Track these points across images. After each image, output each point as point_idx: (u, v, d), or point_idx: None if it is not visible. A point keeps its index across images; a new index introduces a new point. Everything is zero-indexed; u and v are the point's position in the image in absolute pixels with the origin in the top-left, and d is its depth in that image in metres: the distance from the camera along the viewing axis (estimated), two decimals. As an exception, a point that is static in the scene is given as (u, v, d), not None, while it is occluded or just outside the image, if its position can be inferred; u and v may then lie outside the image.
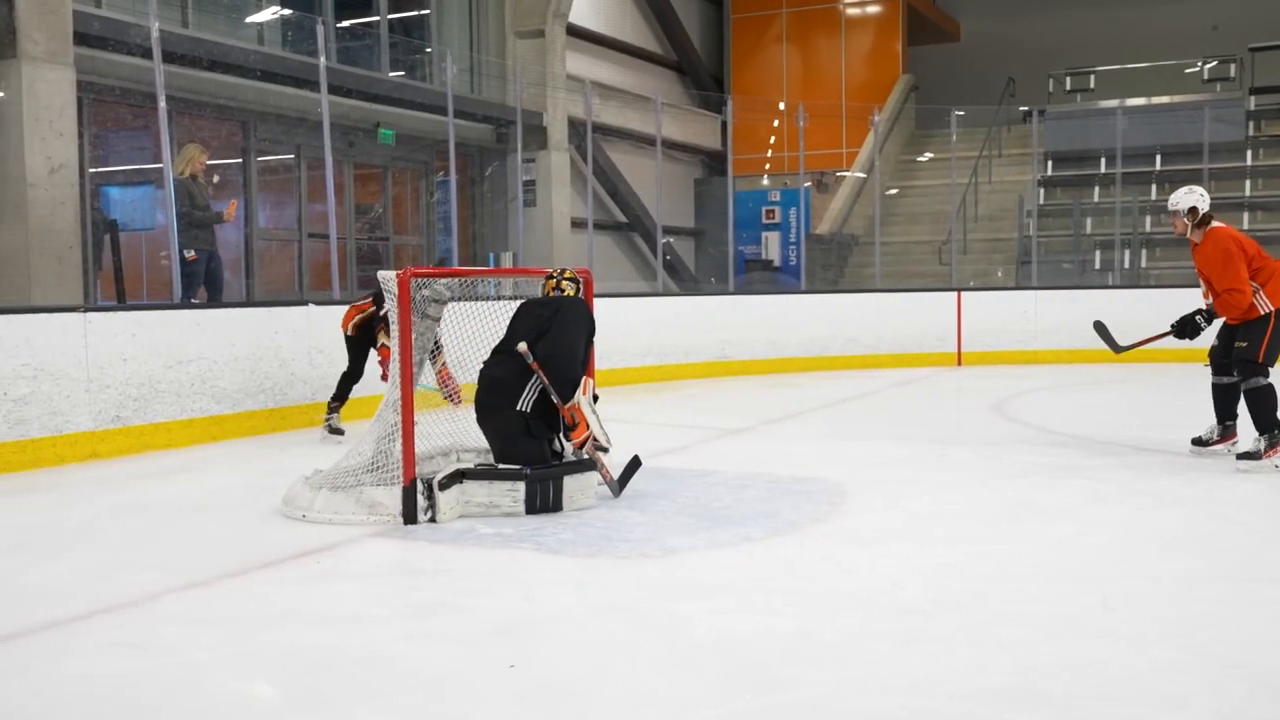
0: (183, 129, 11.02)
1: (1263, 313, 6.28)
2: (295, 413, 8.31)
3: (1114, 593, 3.95)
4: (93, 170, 10.42)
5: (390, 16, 14.31)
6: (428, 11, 15.10)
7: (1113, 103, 17.83)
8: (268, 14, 12.65)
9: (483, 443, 5.82)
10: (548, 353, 5.51)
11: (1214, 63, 19.17)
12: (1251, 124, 18.07)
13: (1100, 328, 7.19)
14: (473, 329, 5.98)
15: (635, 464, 5.77)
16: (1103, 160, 17.15)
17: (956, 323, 13.52)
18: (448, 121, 12.20)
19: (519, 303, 5.99)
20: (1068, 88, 19.69)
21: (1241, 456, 6.28)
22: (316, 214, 12.47)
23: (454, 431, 6.05)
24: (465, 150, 14.92)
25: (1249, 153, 17.59)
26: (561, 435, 5.64)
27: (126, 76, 10.16)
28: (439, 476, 5.18)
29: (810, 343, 12.77)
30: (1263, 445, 6.20)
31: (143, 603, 3.95)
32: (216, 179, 9.36)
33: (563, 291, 5.90)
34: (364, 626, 3.68)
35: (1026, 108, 18.32)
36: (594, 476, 5.55)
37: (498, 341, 5.79)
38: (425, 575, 4.38)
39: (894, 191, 19.56)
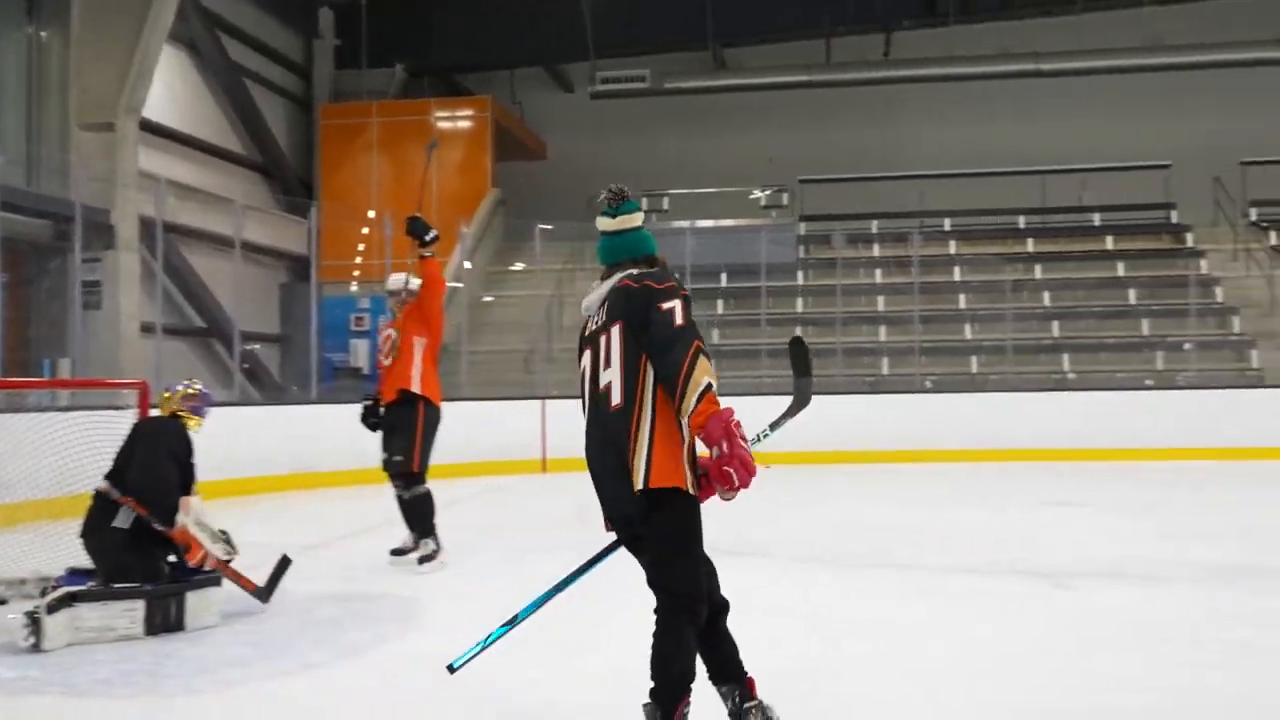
0: None
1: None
2: None
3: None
4: None
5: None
6: (-22, 96, 13.84)
7: (684, 223, 19.17)
8: None
9: (13, 572, 5.30)
10: (137, 484, 5.23)
11: (770, 191, 21.15)
12: (802, 247, 20.02)
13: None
14: (17, 442, 5.45)
15: (284, 563, 5.49)
16: (676, 276, 18.33)
17: (541, 430, 13.84)
18: (-5, 215, 11.17)
19: (81, 414, 5.61)
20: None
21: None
22: None
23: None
24: (17, 247, 13.64)
25: (800, 273, 19.44)
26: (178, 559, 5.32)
27: None
28: (47, 599, 4.72)
29: (398, 452, 12.56)
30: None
31: None
32: None
33: (175, 414, 5.57)
34: None
35: (607, 225, 19.31)
36: (218, 592, 5.27)
37: (55, 455, 5.40)
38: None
39: (490, 299, 19.90)
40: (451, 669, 3.44)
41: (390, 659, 4.74)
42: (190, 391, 5.64)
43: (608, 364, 3.21)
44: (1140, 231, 20.02)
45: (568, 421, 13.73)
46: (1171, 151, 19.94)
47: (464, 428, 13.06)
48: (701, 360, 3.05)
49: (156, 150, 16.73)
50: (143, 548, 5.22)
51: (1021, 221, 20.42)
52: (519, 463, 13.61)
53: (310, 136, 22.14)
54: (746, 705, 3.27)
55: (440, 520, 7.34)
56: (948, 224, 20.40)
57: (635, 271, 3.34)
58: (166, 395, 5.64)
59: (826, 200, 21.03)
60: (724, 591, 3.39)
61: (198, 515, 5.19)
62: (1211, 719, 3.75)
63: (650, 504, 3.09)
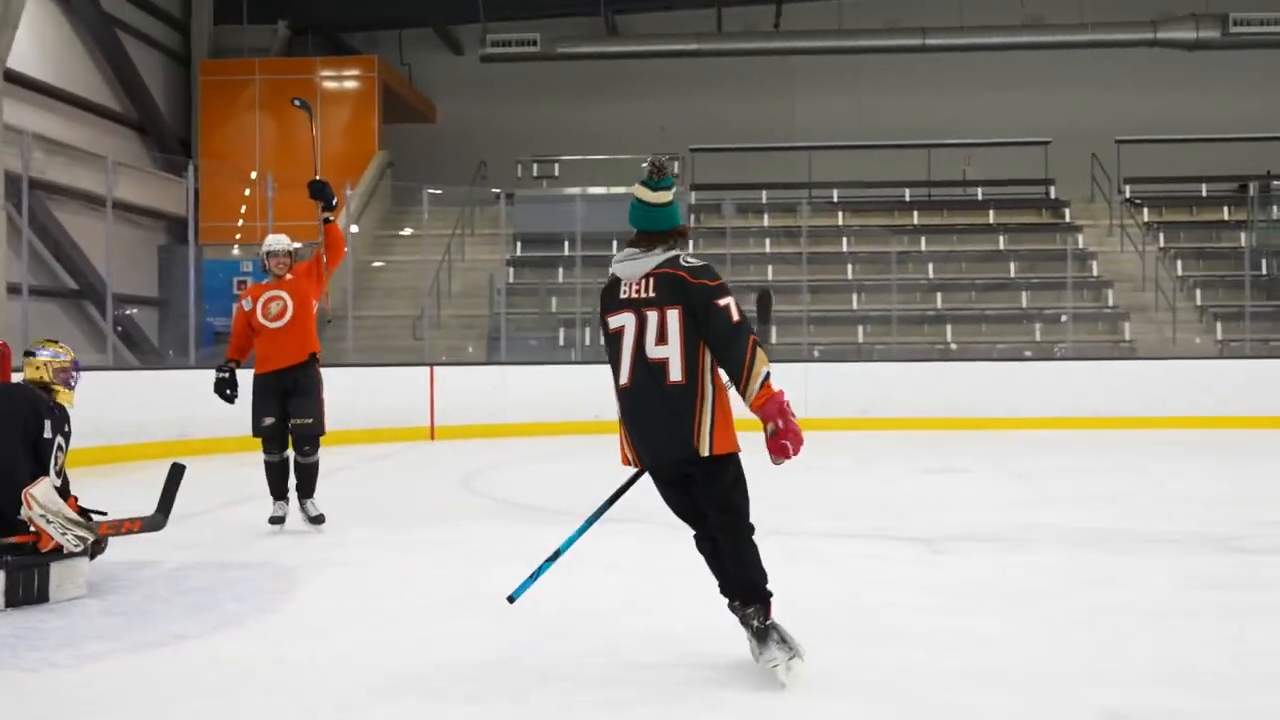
0: None
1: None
2: None
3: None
4: None
5: None
6: None
7: (575, 190, 19.03)
8: None
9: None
10: None
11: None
12: (692, 216, 20.05)
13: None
14: None
15: (176, 473, 5.32)
16: (566, 243, 18.23)
17: (430, 397, 13.66)
18: None
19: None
20: (535, 173, 20.78)
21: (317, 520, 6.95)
22: None
23: None
24: (-128, 202, 12.97)
25: (690, 241, 19.48)
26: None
27: None
28: None
29: (280, 419, 12.28)
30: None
31: None
32: None
33: (33, 376, 5.30)
34: None
35: (498, 190, 19.09)
36: (84, 563, 5.05)
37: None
38: None
39: (380, 264, 19.53)
40: (511, 599, 4.04)
41: (269, 629, 4.61)
42: (62, 363, 5.35)
43: (663, 340, 3.74)
44: (1021, 206, 20.52)
45: (456, 388, 13.70)
46: (1051, 128, 20.48)
47: (350, 394, 12.86)
48: (759, 352, 3.68)
49: (23, 103, 16.02)
50: None
51: (907, 194, 20.77)
52: (406, 430, 13.43)
53: (189, 94, 21.40)
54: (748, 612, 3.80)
55: (325, 488, 7.23)
56: (836, 195, 20.64)
57: (685, 262, 3.81)
58: (37, 364, 5.33)
59: (717, 169, 21.11)
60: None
61: (44, 506, 4.87)
62: (1070, 675, 3.85)
63: (710, 462, 3.76)
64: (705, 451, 3.73)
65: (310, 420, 6.82)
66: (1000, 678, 3.84)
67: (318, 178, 7.00)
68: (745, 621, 3.78)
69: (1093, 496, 8.51)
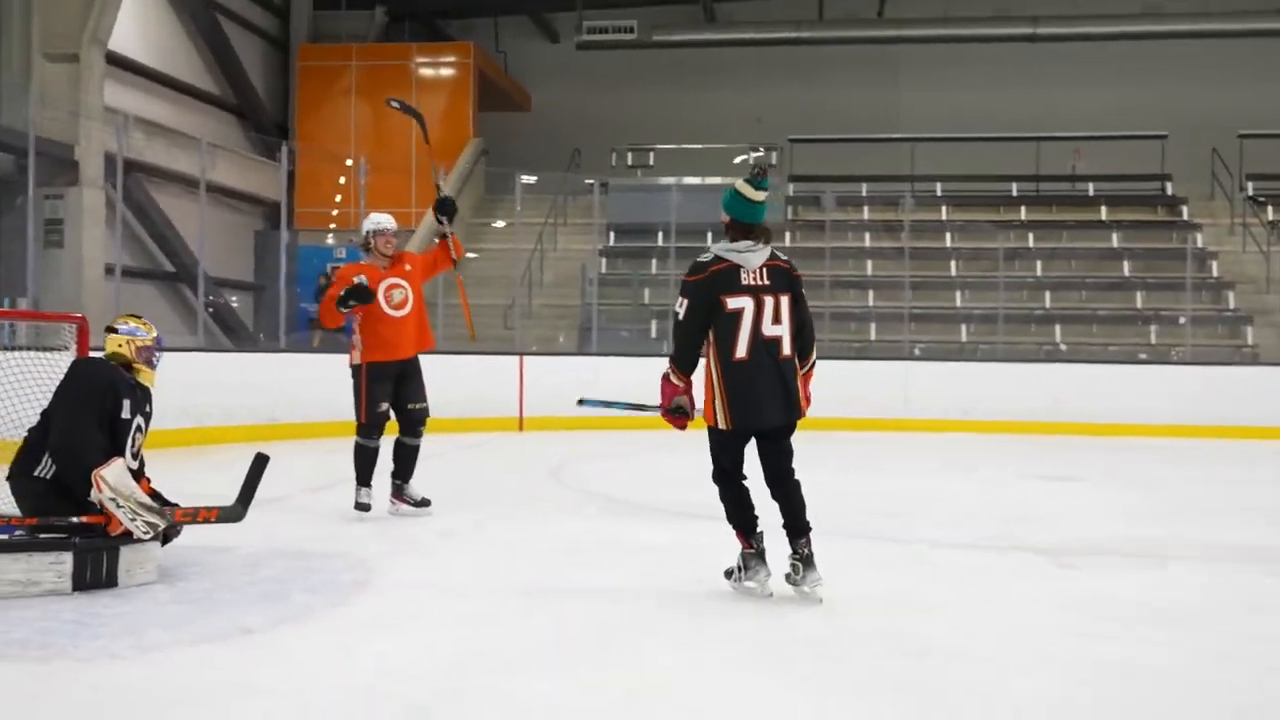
0: None
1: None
2: None
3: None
4: None
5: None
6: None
7: (670, 180, 18.65)
8: None
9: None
10: (55, 443, 4.77)
11: (760, 151, 20.64)
12: (790, 208, 19.52)
13: None
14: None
15: (260, 463, 5.15)
16: (660, 234, 17.85)
17: (519, 387, 13.40)
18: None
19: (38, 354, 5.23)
20: (629, 162, 20.44)
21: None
22: None
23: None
24: (-25, 181, 13.09)
25: (788, 234, 18.94)
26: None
27: None
28: None
29: (368, 405, 12.11)
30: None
31: None
32: None
33: (115, 351, 5.12)
34: None
35: (591, 179, 18.79)
36: (154, 548, 4.83)
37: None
38: None
39: (474, 255, 19.35)
40: (580, 402, 5.53)
41: (339, 624, 4.31)
42: (144, 341, 5.14)
43: (777, 321, 4.56)
44: (1135, 202, 19.64)
45: (546, 379, 13.41)
46: (1168, 122, 19.57)
47: (439, 383, 12.61)
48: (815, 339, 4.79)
49: (125, 85, 16.16)
50: (69, 496, 4.75)
51: (1014, 189, 20.01)
52: (495, 420, 13.17)
53: (287, 79, 21.49)
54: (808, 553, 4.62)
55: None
56: (939, 189, 19.96)
57: (781, 257, 4.71)
58: (119, 341, 5.12)
59: (816, 161, 20.55)
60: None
61: (114, 489, 4.62)
62: (1242, 715, 3.36)
63: (795, 423, 4.63)
64: (803, 413, 4.63)
65: (426, 404, 6.97)
66: (1156, 716, 3.36)
67: (445, 194, 7.06)
68: (767, 558, 4.69)
69: (1232, 509, 7.89)
